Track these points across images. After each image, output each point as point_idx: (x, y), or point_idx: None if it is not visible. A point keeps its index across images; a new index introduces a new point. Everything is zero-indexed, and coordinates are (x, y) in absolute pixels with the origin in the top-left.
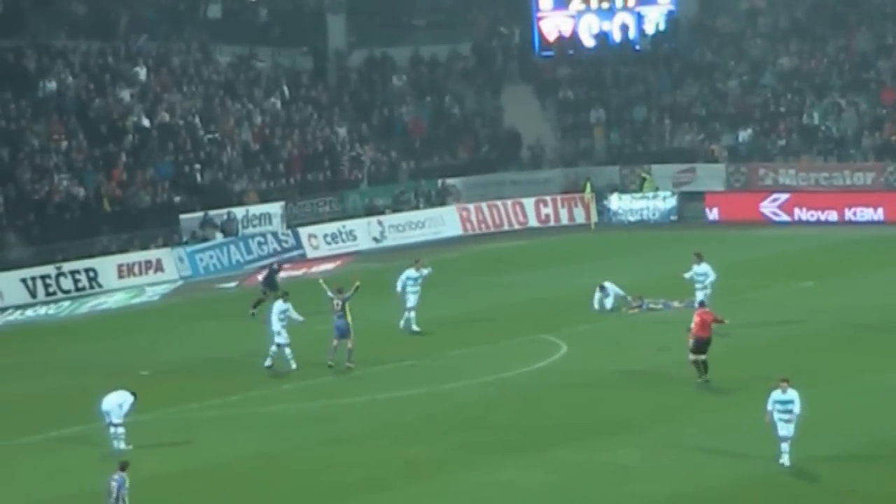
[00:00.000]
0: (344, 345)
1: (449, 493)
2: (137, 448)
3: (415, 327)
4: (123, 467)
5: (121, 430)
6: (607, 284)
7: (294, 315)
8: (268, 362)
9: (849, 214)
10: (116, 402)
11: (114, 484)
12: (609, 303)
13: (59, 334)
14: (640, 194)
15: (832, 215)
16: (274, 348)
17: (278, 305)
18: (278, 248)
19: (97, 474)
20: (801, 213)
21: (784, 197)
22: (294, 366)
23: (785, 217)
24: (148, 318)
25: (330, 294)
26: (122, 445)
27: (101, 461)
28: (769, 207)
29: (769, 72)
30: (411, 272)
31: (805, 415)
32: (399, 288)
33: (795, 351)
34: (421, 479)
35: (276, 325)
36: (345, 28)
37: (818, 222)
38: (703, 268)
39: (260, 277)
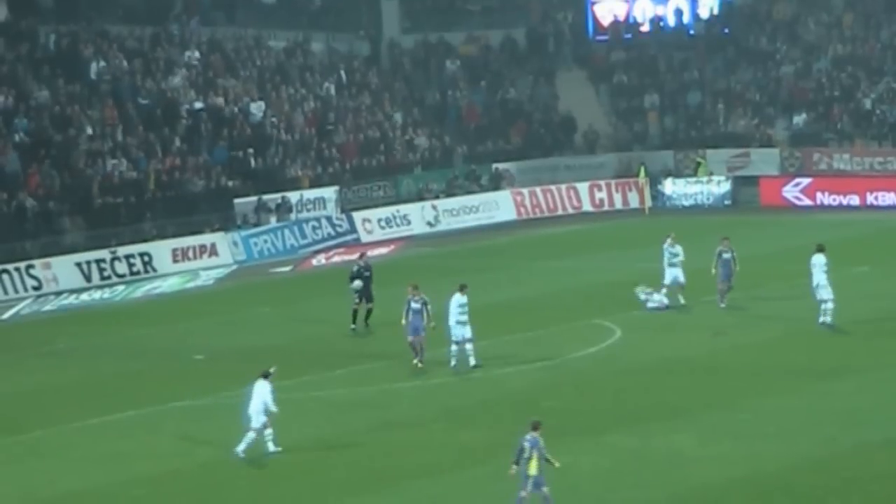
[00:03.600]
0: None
1: (502, 478)
2: (193, 434)
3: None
4: (536, 427)
5: (269, 431)
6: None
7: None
8: (452, 363)
9: None
10: (261, 402)
11: (526, 444)
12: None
13: (113, 318)
14: (694, 179)
15: (890, 198)
16: (454, 347)
17: (457, 299)
18: (332, 233)
19: (152, 459)
20: (850, 199)
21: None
22: (474, 362)
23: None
24: (202, 303)
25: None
26: (273, 448)
27: (154, 446)
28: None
29: (823, 57)
30: (459, 298)
31: (859, 400)
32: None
33: (851, 336)
34: (474, 464)
35: (456, 318)
36: (399, 13)
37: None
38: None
39: (353, 286)
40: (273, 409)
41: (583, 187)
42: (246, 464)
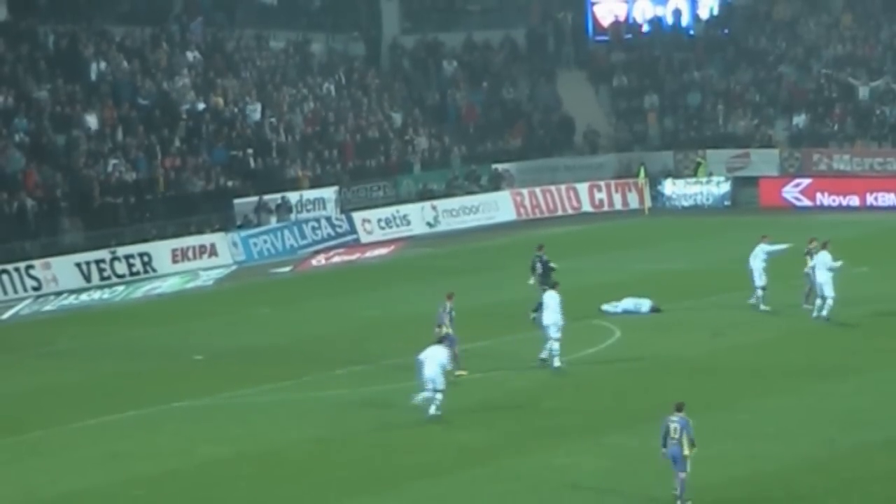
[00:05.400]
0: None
1: (502, 479)
2: (193, 434)
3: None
4: (680, 408)
5: (440, 396)
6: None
7: (778, 247)
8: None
9: None
10: (439, 365)
11: (674, 425)
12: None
13: (113, 319)
14: (694, 179)
15: (890, 199)
16: (759, 293)
17: (762, 247)
18: (332, 233)
19: (151, 459)
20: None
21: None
22: (762, 308)
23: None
24: (202, 303)
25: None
26: (436, 411)
27: (154, 446)
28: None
29: (823, 57)
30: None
31: (859, 400)
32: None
33: (850, 336)
34: (474, 464)
35: (759, 264)
36: (398, 13)
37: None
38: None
39: (532, 280)
40: (449, 367)
41: (582, 188)
42: (244, 462)
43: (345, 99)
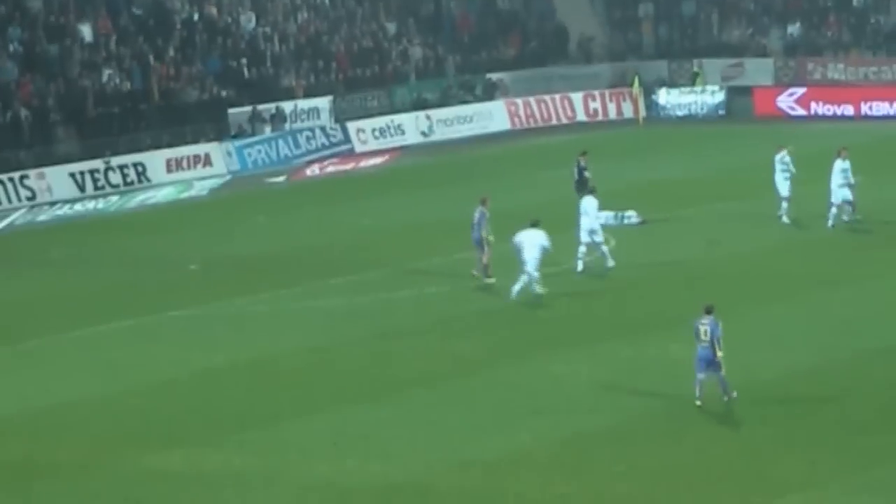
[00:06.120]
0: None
1: (498, 388)
2: (188, 343)
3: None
4: (710, 310)
5: (536, 274)
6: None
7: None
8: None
9: None
10: (539, 246)
11: (704, 327)
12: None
13: (108, 228)
14: (689, 88)
15: (884, 108)
16: (847, 207)
17: (839, 164)
18: (326, 143)
19: (148, 369)
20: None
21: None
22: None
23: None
24: (197, 213)
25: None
26: (539, 289)
27: (150, 356)
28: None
29: None
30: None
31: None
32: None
33: (846, 246)
34: (470, 373)
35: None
36: None
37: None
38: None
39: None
40: (550, 249)
41: (577, 97)
42: (238, 371)
43: (339, 8)
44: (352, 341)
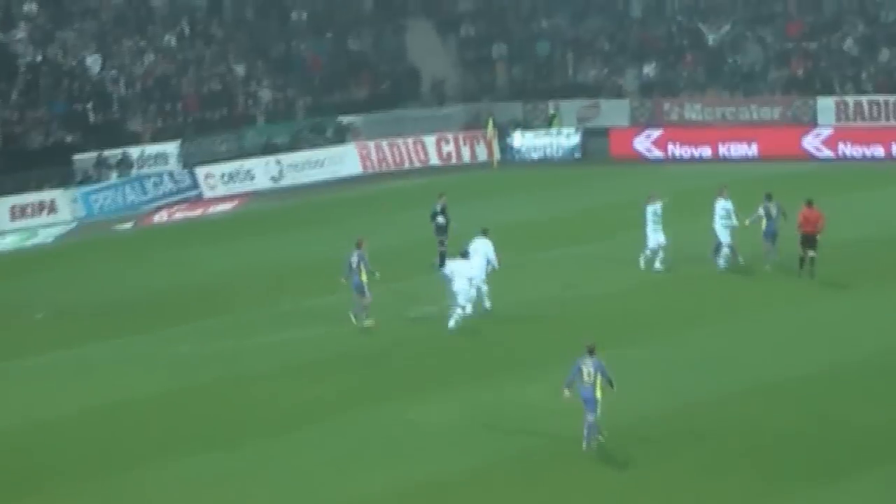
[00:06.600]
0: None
1: (354, 432)
2: (30, 392)
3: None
4: (592, 350)
5: (485, 287)
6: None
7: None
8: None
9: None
10: (484, 256)
11: (587, 368)
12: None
13: None
14: (544, 131)
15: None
16: (726, 250)
17: (721, 203)
18: (174, 189)
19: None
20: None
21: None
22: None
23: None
24: (42, 261)
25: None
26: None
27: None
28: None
29: (671, 3)
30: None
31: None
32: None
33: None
34: (325, 417)
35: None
36: None
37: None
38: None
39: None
40: (496, 265)
41: (430, 140)
42: (88, 417)
43: (187, 50)
44: (204, 386)
